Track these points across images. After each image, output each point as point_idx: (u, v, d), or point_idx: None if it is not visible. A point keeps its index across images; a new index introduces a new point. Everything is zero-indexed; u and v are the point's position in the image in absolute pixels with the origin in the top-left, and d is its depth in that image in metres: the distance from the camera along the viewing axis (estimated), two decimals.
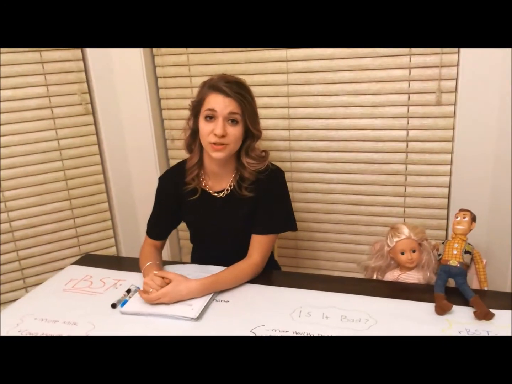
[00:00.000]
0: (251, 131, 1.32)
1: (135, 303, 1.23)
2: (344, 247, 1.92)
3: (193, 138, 1.37)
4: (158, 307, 1.20)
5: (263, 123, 1.45)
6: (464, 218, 1.27)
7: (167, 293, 1.20)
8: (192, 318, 1.15)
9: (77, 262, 1.53)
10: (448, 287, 1.22)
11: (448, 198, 1.71)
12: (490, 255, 1.61)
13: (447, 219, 1.73)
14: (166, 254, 2.15)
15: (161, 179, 1.50)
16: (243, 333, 1.10)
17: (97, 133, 1.98)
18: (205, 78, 1.36)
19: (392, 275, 1.33)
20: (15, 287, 1.96)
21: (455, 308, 1.13)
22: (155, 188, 2.04)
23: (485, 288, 1.27)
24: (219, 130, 1.25)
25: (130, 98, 1.95)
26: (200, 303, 1.20)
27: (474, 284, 1.30)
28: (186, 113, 1.92)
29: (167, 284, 1.23)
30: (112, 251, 2.13)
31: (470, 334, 1.05)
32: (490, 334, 1.04)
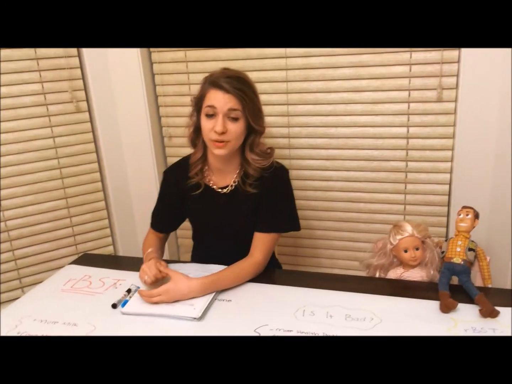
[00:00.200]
0: (253, 127, 1.30)
1: (136, 303, 1.21)
2: (343, 245, 1.91)
3: (197, 133, 1.35)
4: (159, 307, 1.18)
5: None
6: (467, 215, 1.27)
7: (168, 290, 1.18)
8: (195, 318, 1.14)
9: (75, 262, 1.51)
10: (452, 285, 1.21)
11: (449, 195, 1.70)
12: (491, 252, 1.59)
13: (448, 216, 1.73)
14: (164, 253, 2.12)
15: (165, 172, 1.49)
16: (247, 333, 1.08)
17: (93, 131, 1.95)
18: (203, 75, 1.34)
19: (395, 273, 1.32)
20: (11, 287, 1.93)
21: (460, 306, 1.12)
22: (152, 186, 2.04)
23: (489, 286, 1.26)
24: (218, 127, 1.23)
25: (126, 95, 1.92)
26: (202, 302, 1.19)
27: (477, 281, 1.29)
28: (184, 110, 1.93)
29: (163, 277, 1.23)
30: (109, 250, 2.11)
31: (476, 332, 1.04)
32: (496, 332, 1.04)
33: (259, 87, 1.73)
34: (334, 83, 1.70)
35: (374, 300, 1.19)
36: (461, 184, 1.64)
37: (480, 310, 1.10)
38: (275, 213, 1.35)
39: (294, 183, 1.84)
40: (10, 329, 1.13)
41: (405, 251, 1.29)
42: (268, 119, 1.78)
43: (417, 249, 1.29)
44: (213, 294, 1.23)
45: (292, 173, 1.84)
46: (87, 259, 1.53)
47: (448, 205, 1.72)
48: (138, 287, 1.29)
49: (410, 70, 1.60)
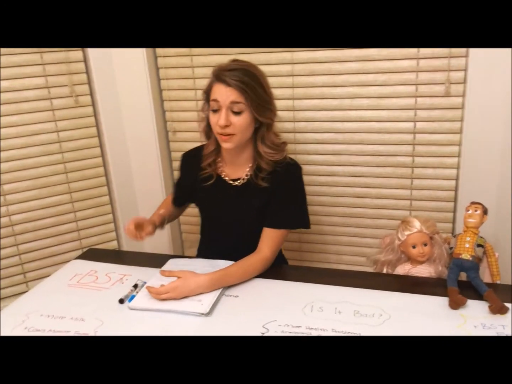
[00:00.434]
0: (259, 119, 1.29)
1: (143, 298, 1.21)
2: (349, 240, 1.90)
3: (209, 126, 1.35)
4: (167, 302, 1.17)
5: None
6: (475, 211, 1.26)
7: (176, 287, 1.18)
8: (202, 314, 1.13)
9: (80, 257, 1.50)
10: (460, 281, 1.21)
11: (456, 190, 1.69)
12: (498, 248, 1.58)
13: (454, 211, 1.72)
14: (168, 248, 2.12)
15: (183, 156, 1.52)
16: (255, 329, 1.08)
17: (97, 125, 1.94)
18: (208, 69, 1.33)
19: (402, 269, 1.32)
20: (15, 282, 1.92)
21: (469, 302, 1.12)
22: (156, 180, 2.03)
23: (498, 282, 1.25)
24: (221, 121, 1.24)
25: (130, 89, 1.91)
26: (209, 298, 1.18)
27: (485, 277, 1.29)
28: (188, 104, 1.92)
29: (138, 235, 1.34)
30: (113, 245, 2.10)
31: (486, 328, 1.04)
32: (506, 329, 1.03)
33: None
34: (340, 77, 1.69)
35: (382, 296, 1.19)
36: (468, 179, 1.63)
37: (489, 307, 1.10)
38: (285, 209, 1.34)
39: None
40: (17, 325, 1.12)
41: (413, 247, 1.29)
42: None
43: (425, 245, 1.28)
44: (221, 289, 1.22)
45: None
46: (92, 254, 1.52)
47: (455, 200, 1.71)
48: (145, 283, 1.28)
49: (418, 64, 1.59)
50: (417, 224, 1.29)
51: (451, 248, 1.27)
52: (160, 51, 1.87)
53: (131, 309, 1.18)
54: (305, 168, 1.82)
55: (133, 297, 1.22)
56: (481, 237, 1.25)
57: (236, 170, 1.39)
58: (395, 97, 1.65)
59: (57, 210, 1.94)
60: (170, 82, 1.91)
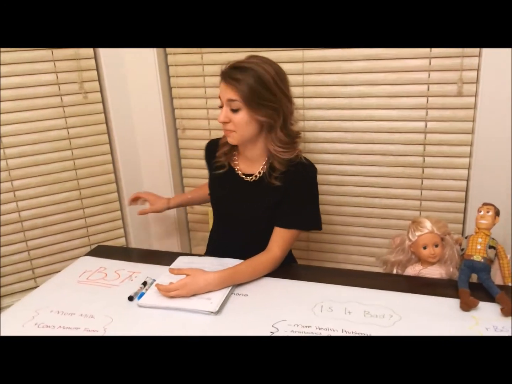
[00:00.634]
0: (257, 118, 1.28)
1: (152, 295, 1.21)
2: (357, 240, 1.89)
3: None
4: (176, 300, 1.17)
5: None
6: (488, 212, 1.25)
7: (185, 285, 1.17)
8: (212, 312, 1.13)
9: (90, 253, 1.50)
10: (472, 283, 1.20)
11: (466, 191, 1.68)
12: (509, 249, 1.58)
13: (464, 212, 1.71)
14: (176, 245, 2.13)
15: (207, 143, 1.53)
16: (264, 328, 1.07)
17: (106, 122, 1.95)
18: (218, 67, 1.32)
19: (413, 270, 1.31)
20: (23, 278, 1.93)
21: (480, 304, 1.11)
22: (165, 178, 2.04)
23: (509, 284, 1.24)
24: (219, 117, 1.28)
25: (140, 87, 1.91)
26: (219, 296, 1.18)
27: (497, 279, 1.28)
28: (198, 102, 1.92)
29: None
30: (121, 242, 2.10)
31: (498, 331, 1.03)
32: None
33: None
34: (350, 75, 1.68)
35: (392, 297, 1.18)
36: (479, 180, 1.62)
37: (501, 309, 1.09)
38: (297, 209, 1.33)
39: None
40: (27, 320, 1.13)
41: (424, 248, 1.28)
42: None
43: (436, 246, 1.27)
44: (230, 288, 1.22)
45: None
46: (101, 251, 1.53)
47: (465, 201, 1.69)
48: (154, 280, 1.28)
49: (430, 63, 1.57)
50: (428, 225, 1.28)
51: (462, 249, 1.26)
52: (170, 48, 1.87)
53: (140, 306, 1.18)
54: None
55: (142, 294, 1.22)
56: (493, 239, 1.24)
57: (250, 165, 1.39)
58: (405, 96, 1.64)
59: (66, 206, 1.94)
60: (180, 79, 1.90)
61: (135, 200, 1.71)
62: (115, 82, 1.89)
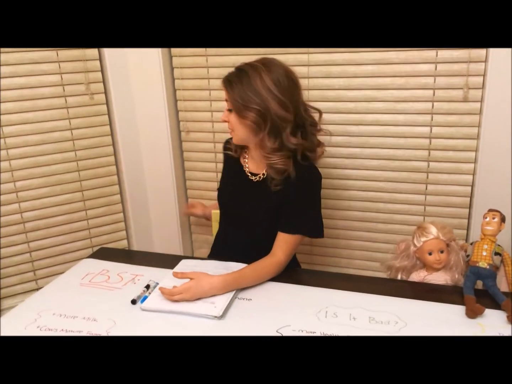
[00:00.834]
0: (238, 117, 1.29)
1: (156, 299, 1.20)
2: (361, 245, 1.88)
3: None
4: (179, 304, 1.17)
5: None
6: (493, 218, 1.24)
7: (189, 288, 1.17)
8: (216, 317, 1.12)
9: (92, 256, 1.50)
10: (477, 289, 1.19)
11: (471, 197, 1.67)
12: None
13: (469, 218, 1.70)
14: (178, 248, 2.12)
15: (227, 139, 1.52)
16: (269, 333, 1.07)
17: (110, 124, 1.94)
18: (223, 69, 1.34)
19: (418, 276, 1.30)
20: (25, 279, 1.92)
21: (486, 311, 1.10)
22: (168, 180, 2.03)
23: None
24: (222, 116, 1.34)
25: (145, 89, 1.90)
26: (223, 301, 1.17)
27: (502, 286, 1.27)
28: (202, 104, 1.92)
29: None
30: (123, 244, 2.10)
31: None
32: None
33: None
34: (356, 80, 1.67)
35: (398, 303, 1.17)
36: (484, 186, 1.61)
37: (507, 317, 1.08)
38: (299, 214, 1.32)
39: None
40: (29, 323, 1.12)
41: (430, 254, 1.27)
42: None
43: (441, 251, 1.26)
44: (234, 292, 1.21)
45: None
46: (104, 253, 1.52)
47: (470, 207, 1.68)
48: (157, 283, 1.27)
49: (436, 68, 1.57)
50: (433, 231, 1.27)
51: (467, 255, 1.25)
52: (175, 50, 1.86)
53: (144, 310, 1.17)
54: None
55: (145, 298, 1.21)
56: (499, 245, 1.23)
57: (256, 165, 1.40)
58: (412, 101, 1.63)
59: (69, 208, 1.94)
60: (185, 81, 1.90)
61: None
62: (119, 84, 1.89)
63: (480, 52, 1.50)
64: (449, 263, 1.27)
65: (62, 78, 1.80)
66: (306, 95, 1.74)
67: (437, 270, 1.28)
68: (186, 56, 1.86)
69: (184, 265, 1.36)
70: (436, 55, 1.55)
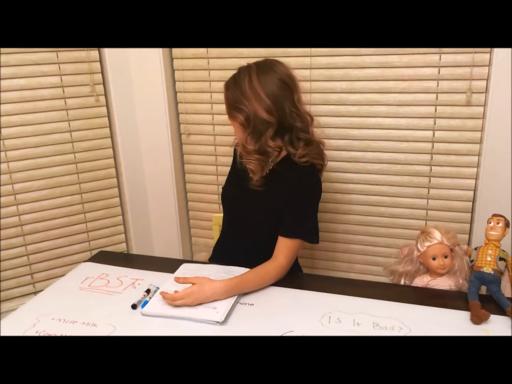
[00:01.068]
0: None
1: (157, 304, 1.18)
2: (362, 249, 1.87)
3: None
4: (181, 309, 1.15)
5: None
6: (498, 223, 1.23)
7: (191, 293, 1.15)
8: (218, 322, 1.10)
9: (91, 259, 1.48)
10: (482, 295, 1.17)
11: (473, 201, 1.66)
12: None
13: (471, 223, 1.69)
14: (177, 251, 2.10)
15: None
16: None
17: (110, 126, 1.93)
18: (224, 72, 1.34)
19: (421, 281, 1.29)
20: (22, 282, 1.91)
21: (491, 317, 1.09)
22: (168, 183, 2.02)
23: None
24: None
25: (145, 91, 1.90)
26: (225, 306, 1.15)
27: (506, 291, 1.25)
28: (203, 107, 1.91)
29: None
30: (122, 247, 2.08)
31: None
32: None
33: None
34: (359, 83, 1.66)
35: (401, 308, 1.16)
36: (487, 190, 1.60)
37: None
38: (298, 219, 1.30)
39: None
40: (28, 328, 1.10)
41: (433, 259, 1.25)
42: None
43: (445, 256, 1.25)
44: (236, 297, 1.20)
45: None
46: (103, 257, 1.50)
47: (472, 211, 1.68)
48: (158, 288, 1.25)
49: (439, 72, 1.56)
50: (437, 235, 1.25)
51: (472, 260, 1.24)
52: (176, 52, 1.85)
53: (144, 315, 1.15)
54: None
55: (146, 302, 1.19)
56: (503, 251, 1.22)
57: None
58: (415, 105, 1.62)
59: (67, 210, 1.92)
60: (186, 84, 1.89)
61: None
62: (119, 85, 1.88)
63: (483, 56, 1.50)
64: (453, 268, 1.25)
65: (62, 80, 1.79)
66: (308, 98, 1.74)
67: (441, 275, 1.27)
68: (187, 58, 1.85)
69: (185, 269, 1.35)
70: (440, 59, 1.55)
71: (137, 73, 1.87)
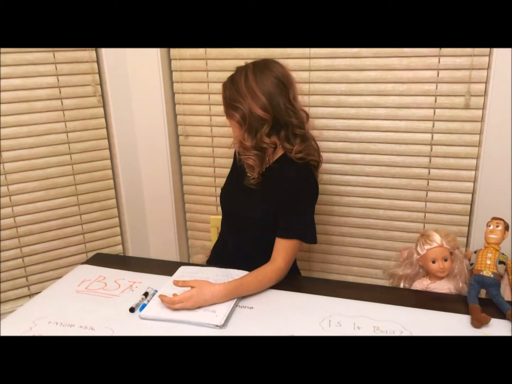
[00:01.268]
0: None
1: (155, 307, 1.17)
2: (359, 251, 1.87)
3: None
4: (180, 312, 1.13)
5: None
6: (497, 226, 1.23)
7: (191, 297, 1.14)
8: (217, 326, 1.09)
9: (88, 262, 1.46)
10: (482, 298, 1.17)
11: (472, 204, 1.66)
12: None
13: (469, 226, 1.69)
14: (174, 254, 2.09)
15: None
16: None
17: (107, 127, 1.91)
18: (223, 73, 1.34)
19: (421, 284, 1.28)
20: (17, 285, 1.88)
21: (491, 320, 1.08)
22: (165, 185, 2.01)
23: None
24: None
25: (143, 91, 1.88)
26: (224, 309, 1.14)
27: (506, 295, 1.25)
28: (201, 108, 1.90)
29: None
30: (118, 250, 2.06)
31: None
32: None
33: None
34: (358, 85, 1.66)
35: (401, 312, 1.15)
36: (485, 193, 1.60)
37: None
38: (294, 219, 1.29)
39: None
40: (25, 331, 1.08)
41: (433, 262, 1.25)
42: None
43: (445, 260, 1.25)
44: (235, 300, 1.18)
45: None
46: (99, 259, 1.48)
47: (470, 214, 1.68)
48: (156, 291, 1.24)
49: (438, 75, 1.56)
50: (437, 238, 1.25)
51: (471, 264, 1.24)
52: (174, 53, 1.84)
53: (142, 318, 1.14)
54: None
55: (144, 305, 1.18)
56: (503, 254, 1.21)
57: None
58: (413, 107, 1.62)
59: (63, 212, 1.90)
60: (184, 85, 1.88)
61: None
62: (117, 86, 1.86)
63: (482, 59, 1.50)
64: (452, 271, 1.25)
65: (58, 80, 1.77)
66: (307, 100, 1.73)
67: (441, 278, 1.26)
68: (185, 59, 1.84)
69: (183, 272, 1.34)
70: (439, 62, 1.55)
71: (135, 74, 1.86)
